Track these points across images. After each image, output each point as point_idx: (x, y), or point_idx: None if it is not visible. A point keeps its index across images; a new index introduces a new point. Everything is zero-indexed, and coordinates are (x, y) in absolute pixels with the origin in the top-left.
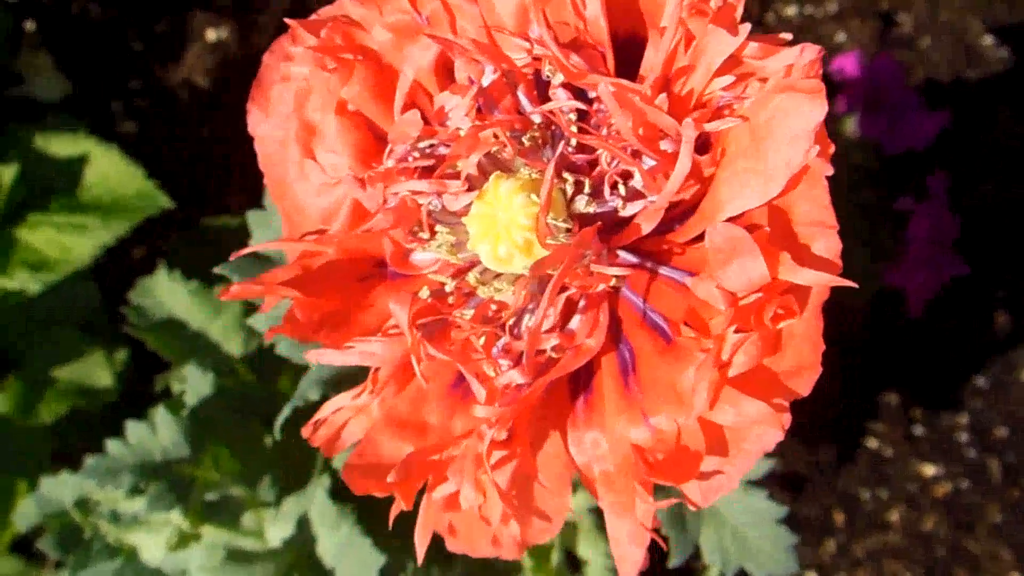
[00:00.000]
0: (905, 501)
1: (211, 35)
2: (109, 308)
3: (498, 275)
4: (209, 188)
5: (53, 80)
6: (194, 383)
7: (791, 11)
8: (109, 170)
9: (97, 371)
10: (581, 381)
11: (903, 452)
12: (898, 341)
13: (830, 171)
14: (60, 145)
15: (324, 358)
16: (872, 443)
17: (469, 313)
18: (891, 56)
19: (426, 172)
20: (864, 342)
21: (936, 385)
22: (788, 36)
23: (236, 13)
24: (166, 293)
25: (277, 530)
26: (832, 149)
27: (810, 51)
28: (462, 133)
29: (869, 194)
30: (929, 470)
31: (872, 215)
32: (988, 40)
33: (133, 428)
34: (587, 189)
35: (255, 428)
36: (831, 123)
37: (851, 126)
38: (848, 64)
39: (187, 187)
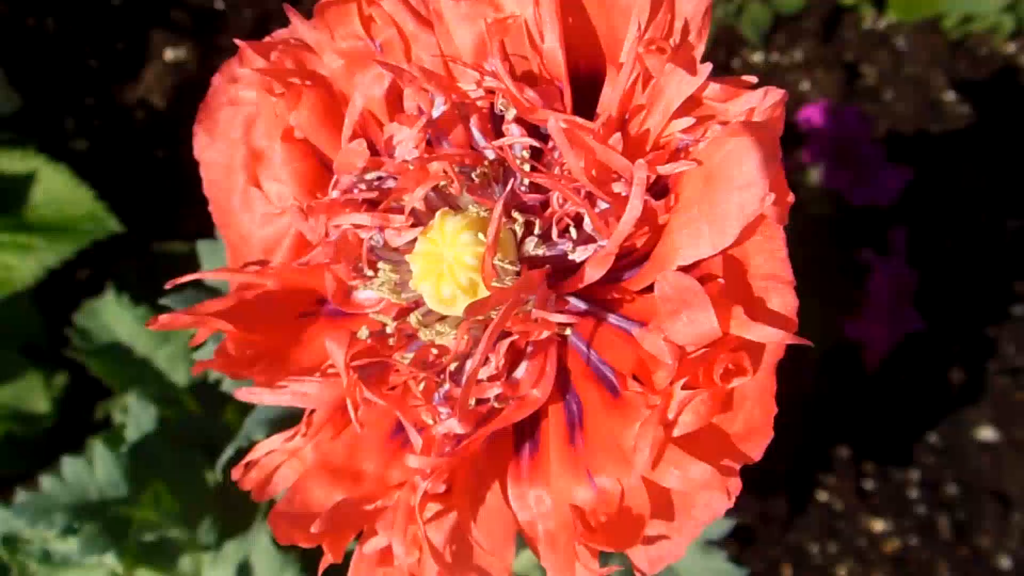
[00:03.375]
0: (854, 556)
1: (170, 55)
2: (50, 330)
3: (442, 318)
4: (161, 211)
5: (4, 94)
6: (136, 417)
7: (757, 58)
8: (58, 190)
9: (34, 395)
10: (527, 431)
11: (853, 506)
12: (852, 394)
13: (786, 221)
14: (8, 161)
15: (256, 397)
16: (823, 496)
17: (410, 356)
18: (857, 109)
19: (372, 205)
20: (818, 394)
21: (888, 440)
22: (753, 79)
23: (196, 33)
24: (113, 317)
25: (216, 575)
26: (791, 199)
27: (773, 95)
28: (410, 166)
29: (829, 245)
30: (879, 525)
31: (831, 267)
32: (951, 96)
33: (69, 464)
34: (537, 230)
35: (197, 465)
36: (795, 173)
37: (815, 176)
38: (815, 114)
39: (138, 209)
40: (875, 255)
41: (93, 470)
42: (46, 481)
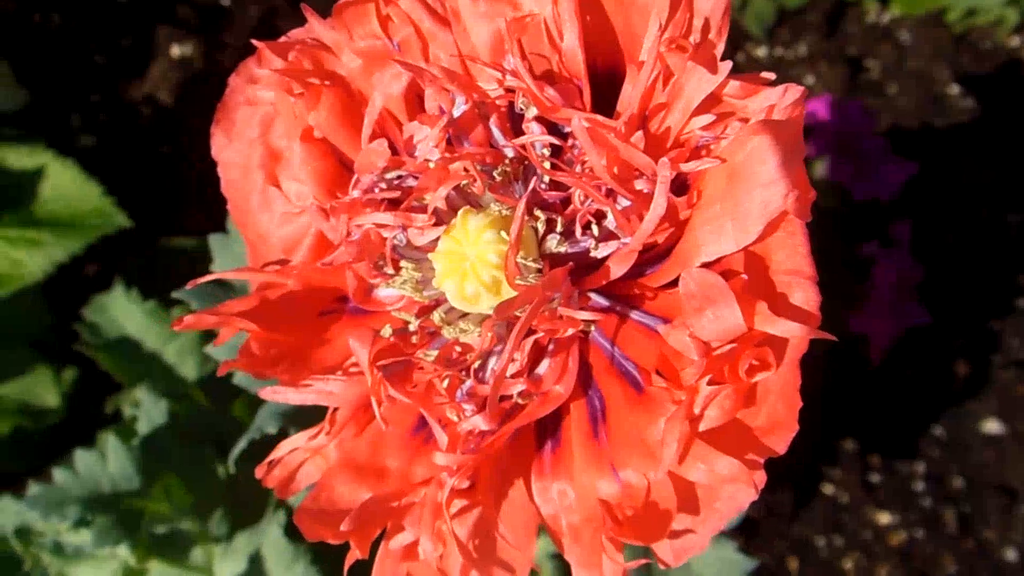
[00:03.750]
0: (860, 549)
1: (176, 51)
2: (59, 326)
3: (464, 315)
4: (168, 207)
5: (11, 90)
6: (148, 410)
7: (761, 52)
8: (66, 185)
9: (43, 390)
10: (548, 428)
11: (859, 499)
12: (857, 387)
13: (809, 218)
14: (16, 157)
15: (280, 396)
16: (828, 489)
17: (433, 354)
18: (861, 103)
19: (392, 204)
20: (823, 387)
21: (894, 433)
22: (771, 75)
23: (202, 29)
24: (121, 311)
25: (228, 567)
26: (813, 195)
27: (793, 91)
28: (431, 165)
29: (833, 239)
30: (885, 518)
31: (835, 260)
32: (954, 89)
33: (82, 457)
34: (559, 228)
35: (208, 458)
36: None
37: (820, 170)
38: (820, 108)
39: (145, 205)
40: (879, 248)
41: (106, 463)
42: (59, 474)
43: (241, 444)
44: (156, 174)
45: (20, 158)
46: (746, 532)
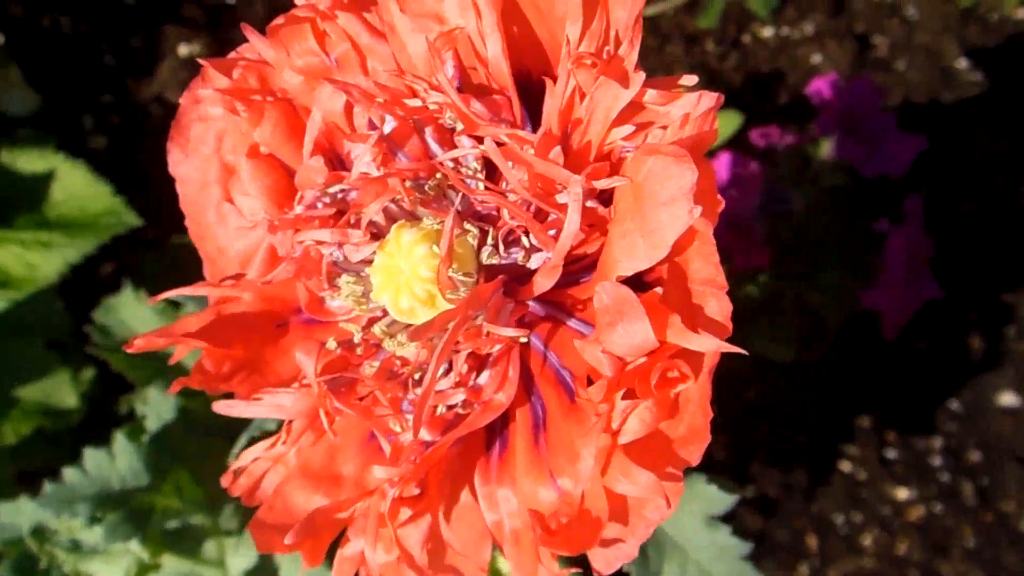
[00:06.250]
0: (879, 525)
1: (184, 50)
2: (76, 326)
3: (406, 327)
4: (180, 206)
5: (22, 94)
6: (156, 407)
7: (767, 33)
8: (77, 187)
9: (63, 391)
10: (497, 432)
11: (877, 475)
12: (872, 363)
13: (711, 230)
14: (27, 161)
15: (233, 411)
16: (845, 466)
17: (376, 365)
18: (868, 79)
19: (336, 218)
20: (837, 364)
21: (910, 408)
22: (692, 79)
23: (209, 28)
24: (131, 312)
25: (239, 560)
26: (721, 206)
27: (707, 99)
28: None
29: (845, 216)
30: (903, 493)
31: (848, 237)
32: (963, 63)
33: (91, 456)
34: (490, 240)
35: (219, 452)
36: (807, 145)
37: (827, 148)
38: (825, 87)
39: (157, 204)
40: (890, 223)
41: (115, 461)
42: (69, 473)
43: (242, 440)
44: (167, 173)
45: (31, 161)
46: (764, 511)
